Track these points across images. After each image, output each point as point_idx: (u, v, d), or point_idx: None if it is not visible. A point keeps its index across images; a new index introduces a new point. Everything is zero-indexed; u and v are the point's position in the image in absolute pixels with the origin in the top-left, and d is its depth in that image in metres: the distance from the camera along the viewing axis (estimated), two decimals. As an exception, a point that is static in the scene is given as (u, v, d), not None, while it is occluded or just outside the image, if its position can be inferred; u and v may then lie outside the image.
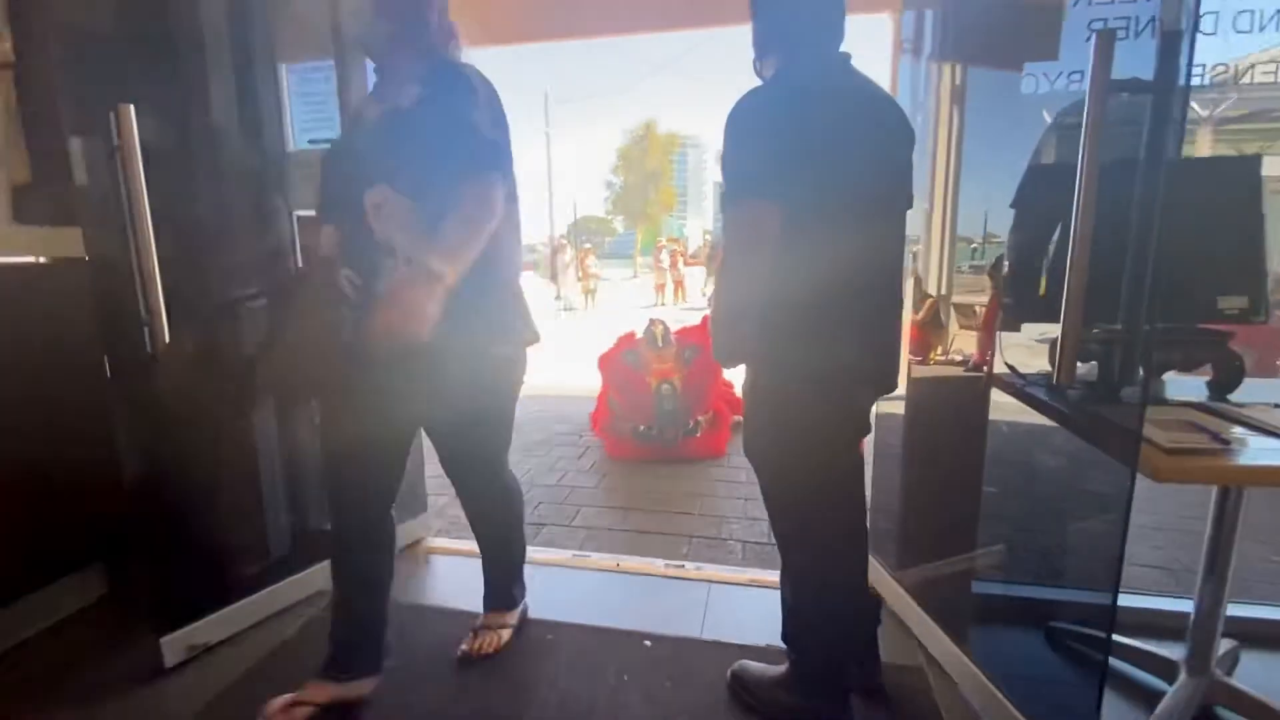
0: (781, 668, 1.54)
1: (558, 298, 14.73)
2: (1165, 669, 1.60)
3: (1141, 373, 1.21)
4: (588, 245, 16.82)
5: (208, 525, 1.82)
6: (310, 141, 2.21)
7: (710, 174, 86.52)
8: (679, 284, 15.52)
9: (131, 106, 1.46)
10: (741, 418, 3.75)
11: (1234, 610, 1.53)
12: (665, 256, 15.31)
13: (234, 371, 1.89)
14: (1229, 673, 1.63)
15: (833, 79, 1.27)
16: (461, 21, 4.06)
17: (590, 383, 5.31)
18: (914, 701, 1.56)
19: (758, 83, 1.32)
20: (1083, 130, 1.06)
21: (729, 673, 1.61)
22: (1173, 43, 1.06)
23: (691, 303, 14.85)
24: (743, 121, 1.23)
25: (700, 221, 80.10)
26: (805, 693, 1.46)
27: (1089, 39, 1.61)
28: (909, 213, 1.38)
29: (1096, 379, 1.31)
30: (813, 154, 1.19)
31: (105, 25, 1.62)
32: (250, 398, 1.95)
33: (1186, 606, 1.80)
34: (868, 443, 1.58)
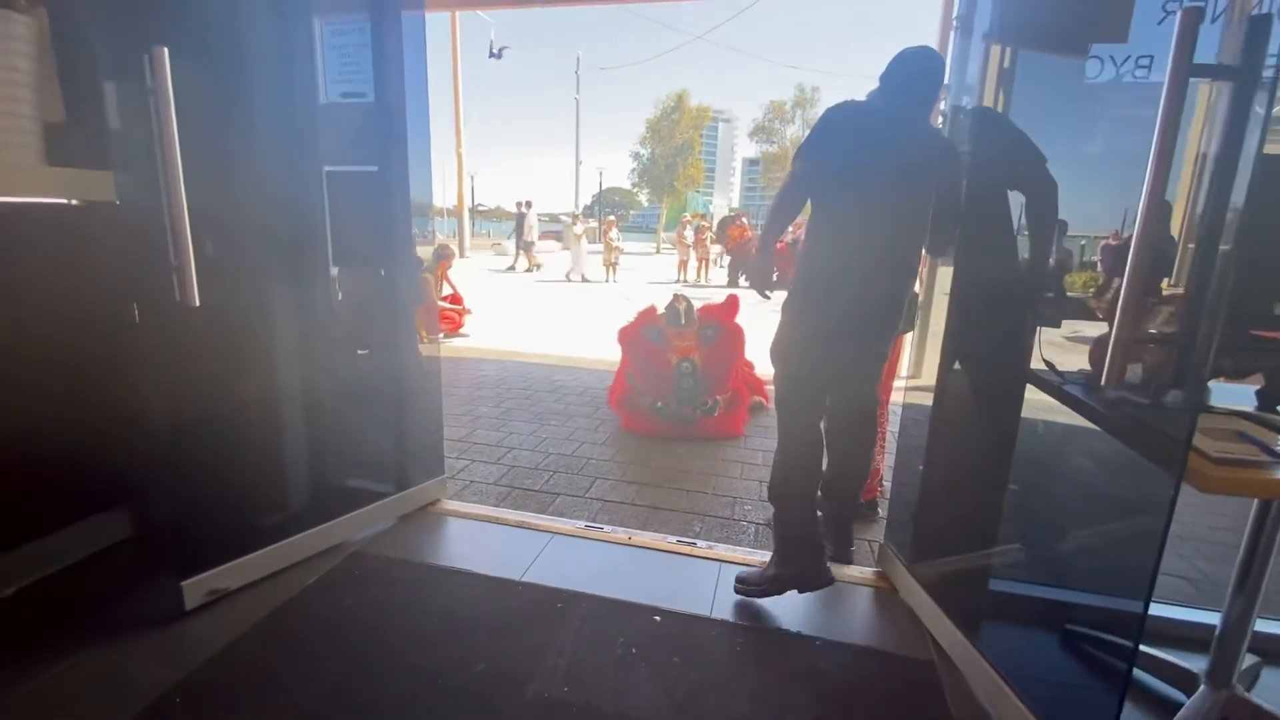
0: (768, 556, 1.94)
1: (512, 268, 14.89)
2: (1184, 680, 1.57)
3: (1198, 378, 1.15)
4: (611, 217, 16.60)
5: (230, 474, 1.84)
6: (343, 95, 2.18)
7: (740, 150, 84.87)
8: (703, 261, 15.32)
9: (165, 50, 1.43)
10: (759, 399, 3.70)
11: (1259, 625, 1.49)
12: (690, 233, 15.10)
13: (262, 323, 1.90)
14: (1249, 688, 1.59)
15: (896, 119, 1.75)
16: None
17: (605, 355, 5.30)
18: (923, 696, 1.55)
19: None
20: (1158, 119, 0.99)
21: (734, 582, 1.92)
22: (1262, 27, 0.99)
23: (715, 280, 14.68)
24: (828, 113, 1.75)
25: (726, 199, 78.91)
26: (788, 559, 1.84)
27: (1162, 21, 1.53)
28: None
29: (1142, 382, 1.25)
30: (851, 160, 1.70)
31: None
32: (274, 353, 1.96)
33: (1207, 618, 1.77)
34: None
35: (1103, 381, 1.11)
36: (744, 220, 15.18)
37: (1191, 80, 1.00)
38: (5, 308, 1.62)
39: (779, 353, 1.87)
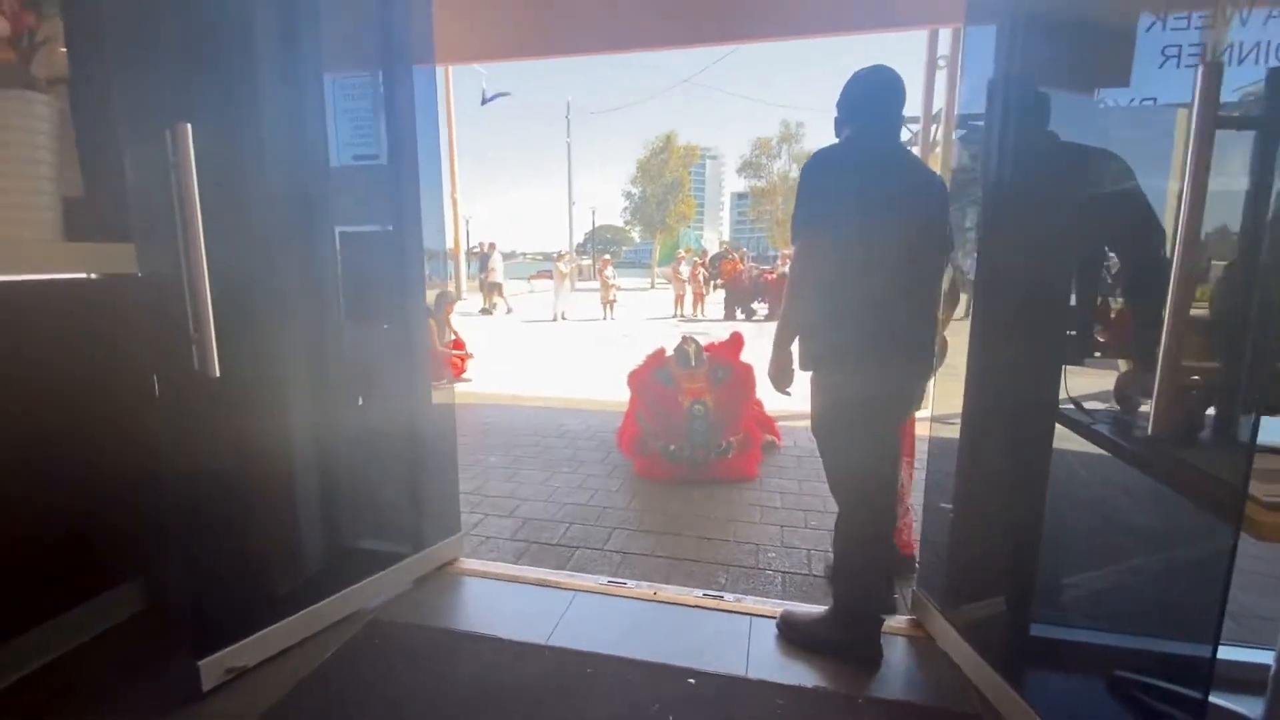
0: (822, 608, 1.90)
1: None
2: (1240, 726, 1.52)
3: (1246, 418, 1.13)
4: (606, 256, 16.78)
5: (246, 544, 1.80)
6: (355, 158, 2.21)
7: (728, 185, 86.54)
8: (699, 296, 15.44)
9: (189, 125, 1.45)
10: (771, 437, 3.69)
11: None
12: (685, 268, 15.25)
13: (277, 389, 1.88)
14: (1308, 731, 1.53)
15: (884, 151, 1.73)
16: (491, 36, 4.10)
17: (610, 396, 5.28)
18: (976, 754, 1.49)
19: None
20: (1189, 163, 1.00)
21: (778, 617, 1.94)
22: (1283, 76, 1.01)
23: (711, 314, 14.76)
24: (812, 168, 1.68)
25: (716, 233, 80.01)
26: (843, 627, 1.80)
27: (1162, 65, 1.56)
28: None
29: (1185, 422, 1.24)
30: (861, 199, 1.61)
31: (160, 40, 1.62)
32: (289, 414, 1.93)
33: (1253, 656, 1.72)
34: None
35: (1150, 430, 1.09)
36: (735, 255, 15.42)
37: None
38: (23, 388, 1.60)
39: (827, 429, 1.79)
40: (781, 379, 1.78)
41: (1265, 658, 1.61)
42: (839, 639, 1.81)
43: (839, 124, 1.80)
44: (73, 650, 1.79)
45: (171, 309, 1.49)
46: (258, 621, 1.78)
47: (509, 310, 15.36)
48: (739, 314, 13.88)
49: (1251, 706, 1.55)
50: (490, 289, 15.40)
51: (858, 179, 1.64)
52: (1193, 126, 1.00)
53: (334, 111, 2.13)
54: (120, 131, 1.57)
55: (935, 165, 4.81)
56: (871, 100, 1.72)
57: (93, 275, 1.61)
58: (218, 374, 1.53)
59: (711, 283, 16.53)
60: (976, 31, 1.89)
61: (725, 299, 14.39)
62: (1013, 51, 1.71)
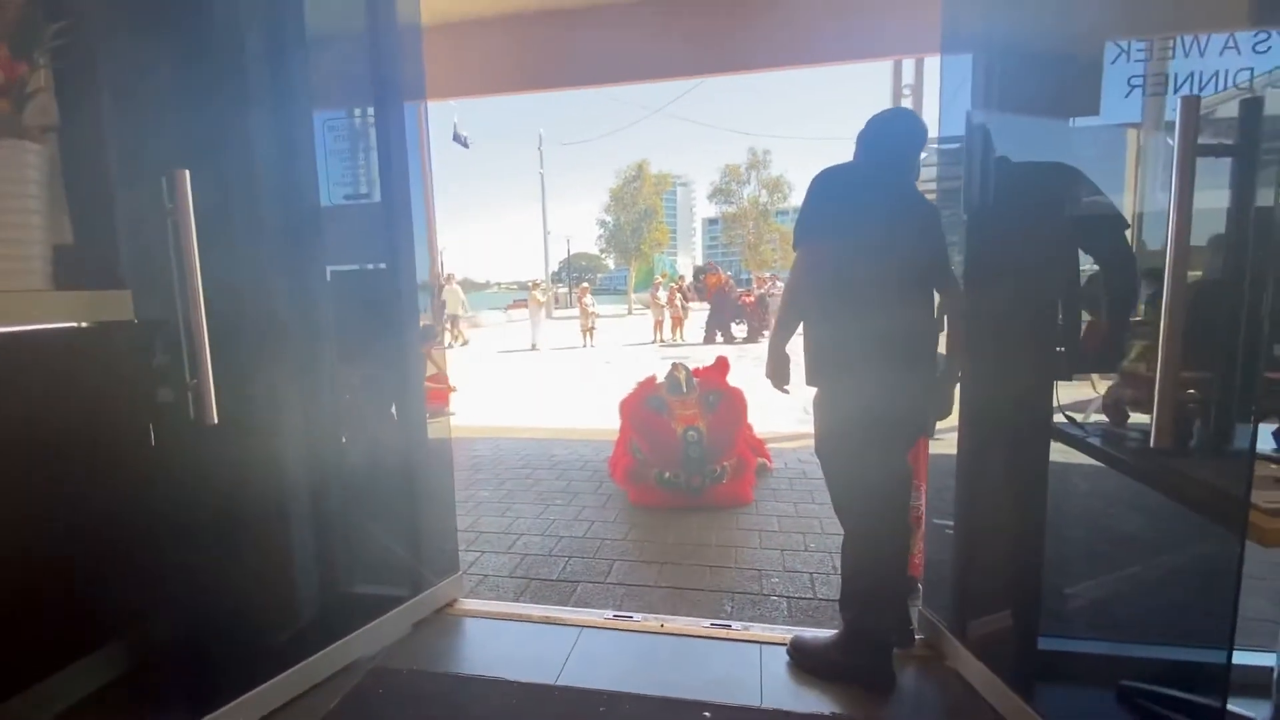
0: (833, 632, 1.90)
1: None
2: (1250, 730, 1.54)
3: (1244, 427, 1.18)
4: (585, 284, 16.85)
5: (243, 596, 1.74)
6: (346, 197, 2.20)
7: (699, 211, 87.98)
8: (677, 320, 15.55)
9: (187, 172, 1.44)
10: (763, 460, 3.70)
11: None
12: (663, 294, 15.38)
13: (273, 434, 1.84)
14: (1311, 731, 1.56)
15: (890, 177, 1.76)
16: (464, 72, 4.16)
17: (599, 424, 5.26)
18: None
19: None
20: (1173, 189, 1.06)
21: (788, 643, 1.93)
22: (1255, 108, 1.07)
23: (691, 339, 14.85)
24: (819, 180, 1.72)
25: (690, 258, 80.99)
26: (854, 652, 1.79)
27: (1128, 95, 1.65)
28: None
29: (1183, 433, 1.28)
30: (865, 219, 1.66)
31: (152, 88, 1.62)
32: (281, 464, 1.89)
33: (1253, 659, 1.75)
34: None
35: (1153, 442, 1.12)
36: (717, 267, 15.64)
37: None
38: (9, 442, 1.54)
39: (830, 450, 1.81)
40: (779, 375, 1.83)
41: (1265, 660, 1.65)
42: (850, 663, 1.80)
43: (856, 151, 1.86)
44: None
45: (168, 356, 1.47)
46: (256, 677, 1.71)
47: (464, 343, 15.27)
48: (718, 337, 13.98)
49: (1253, 708, 1.58)
50: (448, 322, 15.31)
51: (861, 196, 1.70)
52: (1175, 154, 1.05)
53: (324, 152, 2.13)
54: (112, 178, 1.55)
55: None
56: (883, 135, 1.79)
57: (84, 324, 1.57)
58: (215, 421, 1.50)
59: (687, 306, 16.63)
60: (952, 61, 1.97)
61: (708, 319, 14.46)
62: (989, 80, 1.79)
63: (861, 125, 1.84)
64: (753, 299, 14.64)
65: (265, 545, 1.85)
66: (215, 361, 1.49)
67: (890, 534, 1.80)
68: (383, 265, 2.21)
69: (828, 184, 1.72)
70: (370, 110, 2.18)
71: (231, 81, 1.76)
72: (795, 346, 1.80)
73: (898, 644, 1.87)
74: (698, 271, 17.83)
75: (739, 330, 14.26)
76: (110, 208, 1.58)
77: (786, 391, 1.86)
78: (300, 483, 1.94)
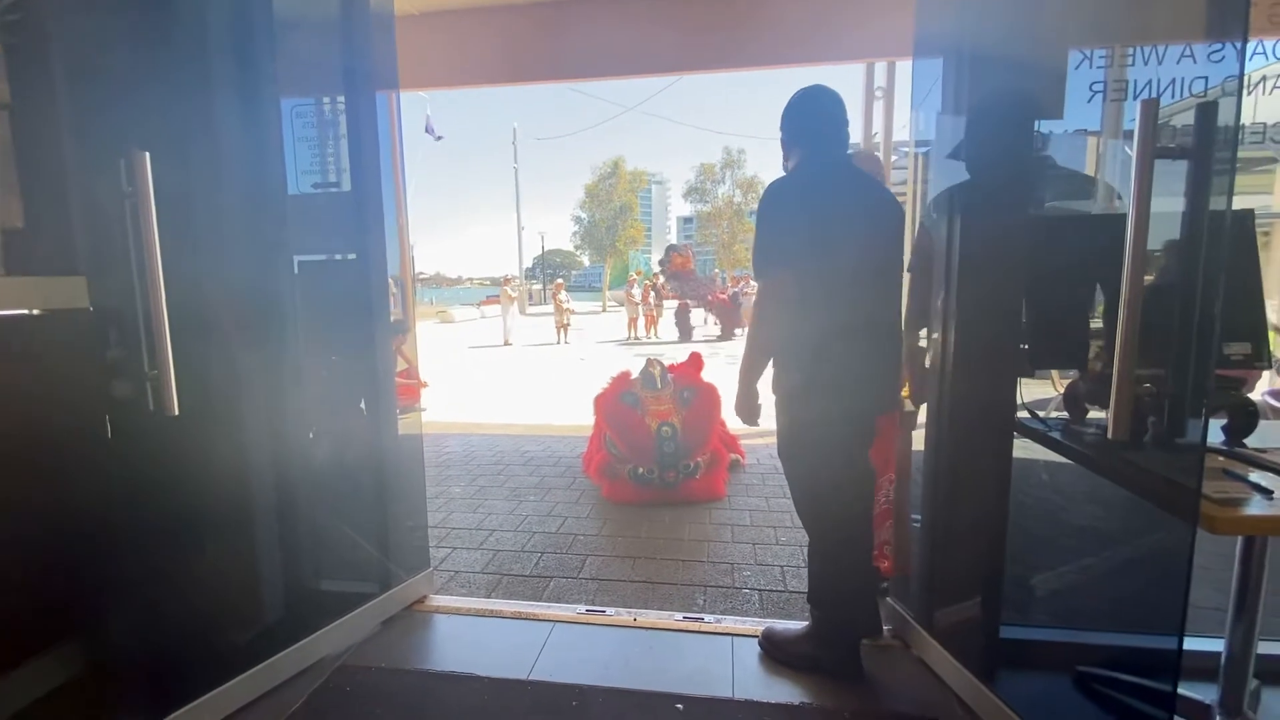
0: (803, 625, 1.93)
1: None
2: (1198, 712, 1.61)
3: (1195, 421, 1.22)
4: (559, 279, 16.76)
5: (203, 593, 1.69)
6: (314, 185, 2.15)
7: (674, 209, 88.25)
8: (650, 318, 15.57)
9: (146, 154, 1.39)
10: (736, 456, 3.73)
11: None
12: (637, 291, 15.38)
13: (236, 426, 1.79)
14: (1254, 711, 1.64)
15: (837, 174, 1.73)
16: (437, 63, 4.10)
17: (572, 421, 5.24)
18: (961, 759, 1.52)
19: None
20: (1132, 190, 1.09)
21: (759, 635, 1.95)
22: (1210, 112, 1.11)
23: (664, 336, 14.89)
24: (769, 203, 1.69)
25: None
26: (824, 645, 1.82)
27: (1090, 99, 1.70)
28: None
29: (1138, 426, 1.32)
30: (821, 230, 1.62)
31: (111, 66, 1.56)
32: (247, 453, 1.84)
33: (1201, 645, 1.83)
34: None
35: (1110, 435, 1.16)
36: (688, 249, 15.68)
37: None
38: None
39: (791, 452, 1.82)
40: (749, 414, 1.81)
41: (1214, 645, 1.72)
42: (819, 655, 1.83)
43: (786, 147, 1.82)
44: (2, 722, 1.63)
45: (125, 344, 1.41)
46: (219, 676, 1.67)
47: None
48: (692, 334, 14.01)
49: (1203, 691, 1.64)
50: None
51: (813, 208, 1.65)
52: (1135, 155, 1.09)
53: (292, 138, 2.08)
54: (67, 160, 1.49)
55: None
56: (816, 123, 1.73)
57: (35, 311, 1.50)
58: (177, 412, 1.46)
59: (661, 304, 16.62)
60: (924, 65, 2.01)
61: (676, 312, 14.45)
62: (959, 83, 1.83)
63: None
64: (725, 296, 14.73)
65: (228, 541, 1.80)
66: (176, 352, 1.45)
67: (854, 531, 1.82)
68: (352, 256, 2.16)
69: (776, 205, 1.68)
70: (340, 98, 2.13)
71: (194, 62, 1.70)
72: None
73: (866, 634, 1.91)
74: (669, 249, 17.47)
75: (707, 326, 14.25)
76: (65, 191, 1.52)
77: (756, 424, 1.85)
78: (265, 477, 1.89)
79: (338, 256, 2.20)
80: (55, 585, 1.68)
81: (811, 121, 1.74)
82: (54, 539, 1.66)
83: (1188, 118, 1.20)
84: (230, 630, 1.79)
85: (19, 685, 1.67)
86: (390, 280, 2.34)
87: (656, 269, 19.57)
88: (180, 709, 1.58)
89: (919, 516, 2.04)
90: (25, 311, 1.52)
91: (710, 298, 14.74)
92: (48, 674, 1.76)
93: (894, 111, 4.96)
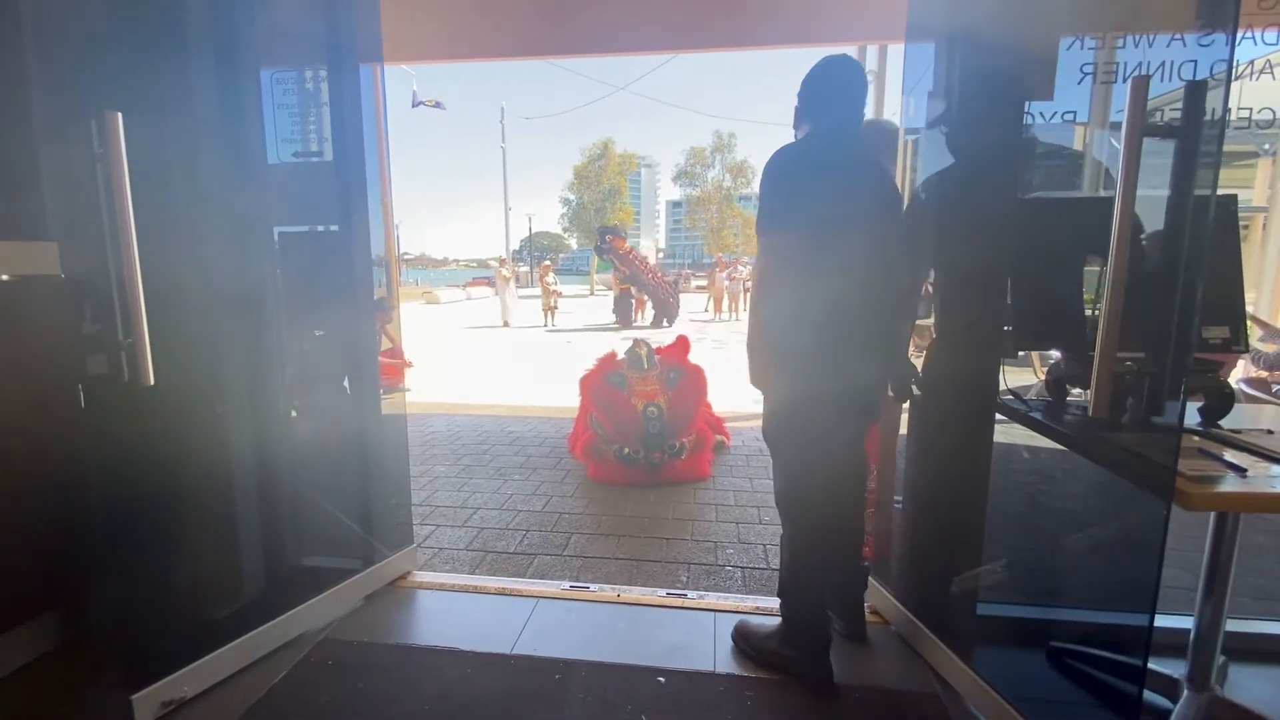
0: (775, 622, 1.85)
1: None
2: (1167, 686, 1.65)
3: (1173, 403, 1.24)
4: (547, 261, 16.62)
5: (181, 566, 1.67)
6: (295, 155, 2.10)
7: (663, 193, 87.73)
8: (639, 302, 15.53)
9: (119, 115, 1.34)
10: (721, 437, 3.71)
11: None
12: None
13: (214, 398, 1.76)
14: (1221, 686, 1.69)
15: (844, 148, 1.67)
16: (423, 35, 4.01)
17: (558, 402, 5.24)
18: (937, 730, 1.56)
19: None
20: (1120, 169, 1.10)
21: (732, 629, 1.91)
22: (1199, 92, 1.12)
23: (650, 320, 14.85)
24: (775, 168, 1.62)
25: (653, 240, 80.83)
26: (792, 644, 1.75)
27: (1081, 81, 1.70)
28: None
29: (1116, 407, 1.34)
30: (821, 199, 1.57)
31: (81, 27, 1.50)
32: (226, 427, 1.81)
33: (1172, 622, 1.88)
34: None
35: (1090, 412, 1.18)
36: (621, 230, 15.00)
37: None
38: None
39: (777, 433, 1.72)
40: (766, 380, 1.68)
41: (1183, 623, 1.76)
42: (788, 655, 1.75)
43: (799, 115, 1.74)
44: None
45: (99, 312, 1.38)
46: (199, 649, 1.65)
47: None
48: (631, 322, 13.46)
49: (1173, 667, 1.69)
50: None
51: (818, 178, 1.59)
52: (1124, 133, 1.09)
53: (272, 105, 2.02)
54: (37, 121, 1.44)
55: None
56: (833, 95, 1.67)
57: (4, 276, 1.46)
58: (152, 381, 1.42)
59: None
60: (916, 48, 2.00)
61: (617, 299, 13.74)
62: (951, 66, 1.82)
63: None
64: (668, 280, 14.29)
65: (208, 514, 1.77)
66: (151, 321, 1.41)
67: (839, 526, 1.77)
68: (335, 228, 2.12)
69: (780, 169, 1.62)
70: (323, 64, 2.07)
71: (168, 22, 1.64)
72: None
73: (849, 637, 1.87)
74: (602, 231, 15.16)
75: (643, 316, 13.64)
76: (33, 153, 1.47)
77: (776, 391, 1.72)
78: (245, 451, 1.86)
79: (319, 228, 2.16)
80: (32, 558, 1.66)
81: (826, 95, 1.68)
82: (26, 510, 1.63)
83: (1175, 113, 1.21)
84: (212, 603, 1.78)
85: (-5, 657, 1.65)
86: (387, 261, 2.30)
87: (650, 260, 18.79)
88: (161, 680, 1.56)
89: (899, 498, 2.06)
90: (-6, 277, 1.48)
91: (654, 279, 14.08)
92: (25, 646, 1.74)
93: (884, 95, 4.94)
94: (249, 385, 1.88)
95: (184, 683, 1.60)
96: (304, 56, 2.08)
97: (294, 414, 2.11)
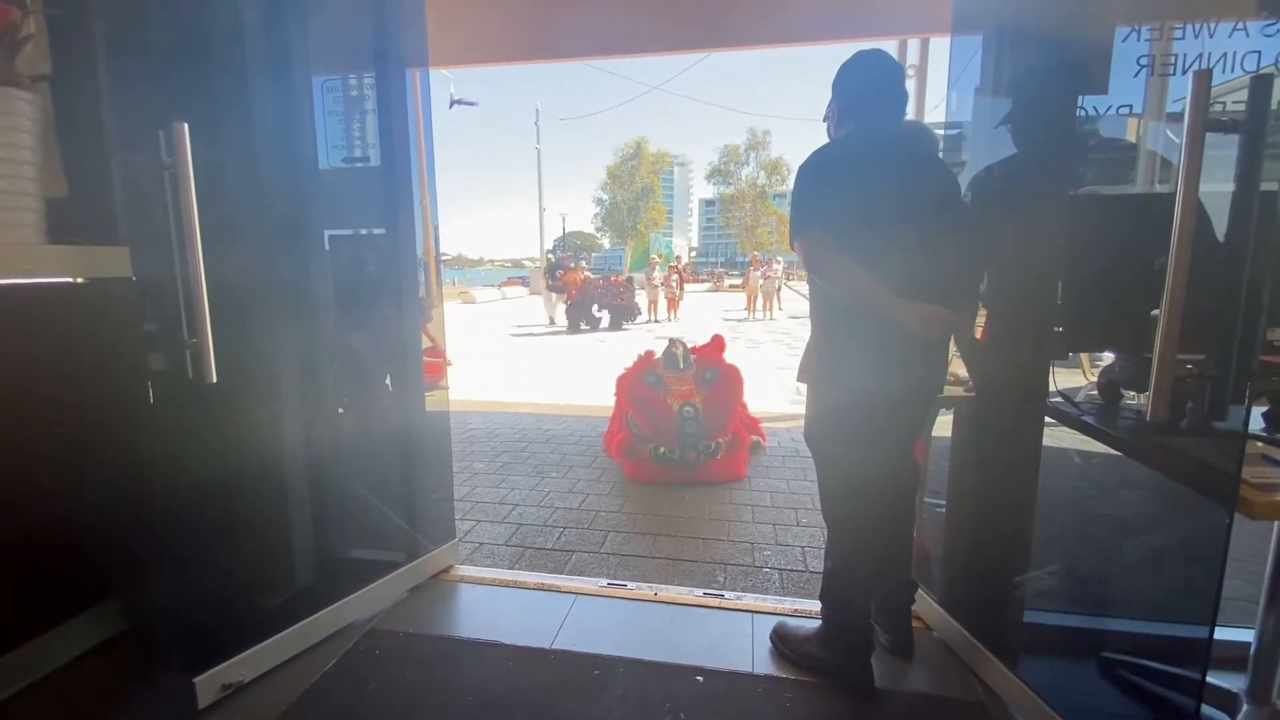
0: (815, 625, 1.82)
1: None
2: (1225, 701, 1.59)
3: (1237, 407, 1.19)
4: (582, 262, 16.73)
5: (240, 556, 1.74)
6: (344, 160, 2.17)
7: (696, 192, 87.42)
8: (672, 300, 15.52)
9: (185, 125, 1.41)
10: (757, 438, 3.69)
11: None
12: (659, 273, 15.34)
13: (271, 396, 1.83)
14: (1281, 701, 1.62)
15: (890, 144, 1.61)
16: (458, 39, 4.07)
17: (594, 401, 5.27)
18: (981, 739, 1.53)
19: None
20: (1180, 166, 1.06)
21: (772, 630, 1.88)
22: (1264, 85, 1.07)
23: (684, 319, 14.82)
24: (812, 169, 1.56)
25: (685, 239, 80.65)
26: (832, 649, 1.72)
27: (1137, 74, 1.64)
28: None
29: (1178, 412, 1.30)
30: (866, 205, 1.50)
31: (149, 42, 1.58)
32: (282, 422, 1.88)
33: (1233, 635, 1.81)
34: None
35: (1149, 416, 1.14)
36: (571, 262, 14.58)
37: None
38: (3, 397, 1.53)
39: (822, 437, 1.69)
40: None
41: (1244, 636, 1.69)
42: (828, 659, 1.72)
43: (835, 114, 1.66)
44: (48, 676, 1.71)
45: (167, 313, 1.45)
46: (253, 636, 1.73)
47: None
48: (582, 324, 13.08)
49: (1232, 681, 1.62)
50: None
51: (857, 182, 1.51)
52: (1185, 129, 1.05)
53: (322, 113, 2.09)
54: (109, 131, 1.52)
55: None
56: (879, 93, 1.59)
57: (79, 279, 1.55)
58: (215, 380, 1.49)
59: (684, 286, 16.30)
60: (962, 40, 1.96)
61: (569, 309, 13.38)
62: (1000, 59, 1.77)
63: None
64: (619, 281, 14.00)
65: (263, 507, 1.85)
66: (214, 322, 1.48)
67: (890, 535, 1.72)
68: (381, 231, 2.18)
69: (815, 175, 1.54)
70: (370, 72, 2.13)
71: (229, 35, 1.71)
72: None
73: (897, 652, 1.82)
74: (552, 268, 14.63)
75: (602, 315, 13.27)
76: (106, 161, 1.55)
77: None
78: (297, 446, 1.93)
79: (365, 231, 2.23)
80: (98, 546, 1.75)
81: (871, 90, 1.60)
82: (95, 500, 1.73)
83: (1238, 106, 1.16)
84: (266, 592, 1.85)
85: (63, 641, 1.75)
86: (426, 263, 2.36)
87: (684, 259, 18.01)
88: (217, 665, 1.64)
89: (941, 501, 2.02)
90: (70, 280, 1.57)
91: (612, 280, 13.76)
92: (92, 630, 1.84)
93: (926, 90, 4.82)
94: (301, 382, 1.95)
95: (241, 667, 1.68)
96: (353, 63, 2.15)
97: (341, 410, 2.18)
